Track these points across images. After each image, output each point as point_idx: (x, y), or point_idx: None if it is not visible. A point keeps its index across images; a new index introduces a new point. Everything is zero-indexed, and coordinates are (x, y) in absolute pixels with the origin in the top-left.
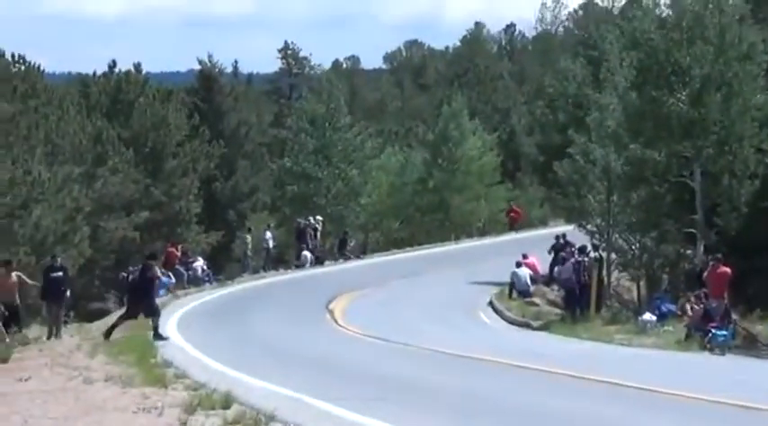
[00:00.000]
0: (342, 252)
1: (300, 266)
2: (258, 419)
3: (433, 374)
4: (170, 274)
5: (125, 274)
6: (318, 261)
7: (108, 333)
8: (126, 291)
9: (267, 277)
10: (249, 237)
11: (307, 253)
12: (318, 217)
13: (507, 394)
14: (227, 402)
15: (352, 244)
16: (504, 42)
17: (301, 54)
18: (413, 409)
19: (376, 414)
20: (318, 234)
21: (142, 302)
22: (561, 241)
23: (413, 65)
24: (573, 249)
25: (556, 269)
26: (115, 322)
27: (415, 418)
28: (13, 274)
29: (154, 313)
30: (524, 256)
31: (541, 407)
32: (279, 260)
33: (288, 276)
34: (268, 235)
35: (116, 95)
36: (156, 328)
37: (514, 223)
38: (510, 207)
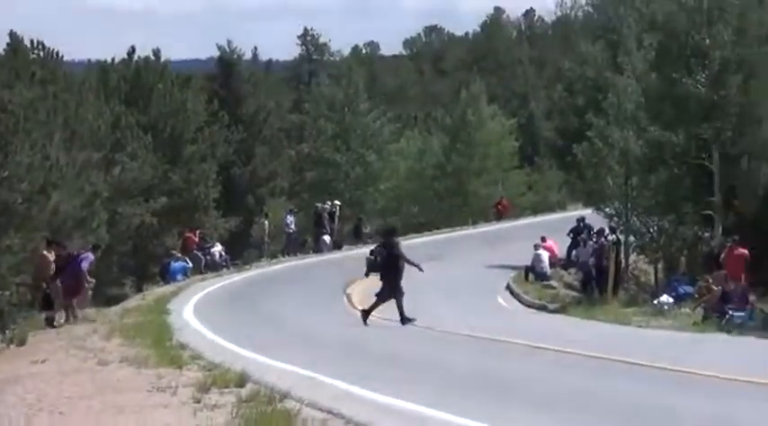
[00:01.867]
0: (358, 238)
1: (318, 251)
2: (273, 396)
3: (450, 354)
4: (187, 259)
5: (371, 256)
6: (336, 245)
7: (366, 315)
8: (379, 270)
9: (285, 261)
10: (267, 223)
11: (325, 238)
12: (336, 202)
13: (524, 373)
14: (241, 380)
15: (367, 230)
16: (523, 27)
17: (321, 40)
18: (430, 388)
19: (394, 394)
20: (337, 218)
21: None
22: (581, 224)
23: (432, 50)
24: (592, 232)
25: (574, 251)
26: (374, 304)
27: (434, 396)
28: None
29: (399, 293)
30: (543, 239)
31: (560, 386)
32: (300, 244)
33: (306, 261)
34: (289, 219)
35: (135, 81)
36: (401, 309)
37: (501, 216)
38: (499, 199)
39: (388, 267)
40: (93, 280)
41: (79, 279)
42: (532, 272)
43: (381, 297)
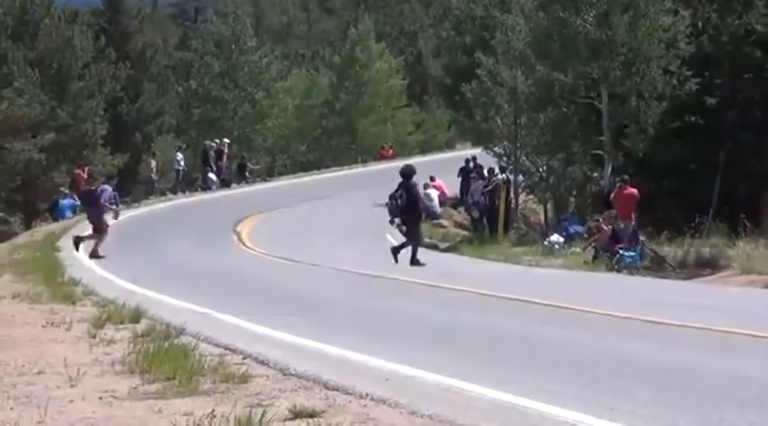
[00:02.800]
0: (242, 176)
1: (206, 189)
2: (168, 332)
3: (338, 291)
4: (75, 196)
5: (391, 201)
6: (225, 183)
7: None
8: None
9: (174, 199)
10: (154, 161)
11: (212, 176)
12: (225, 140)
13: (415, 310)
14: (136, 316)
15: (254, 167)
16: None
17: None
18: (320, 323)
19: (283, 328)
20: (225, 156)
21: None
22: (471, 164)
23: None
24: (483, 171)
25: (470, 190)
26: (407, 246)
27: (323, 332)
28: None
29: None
30: (432, 178)
31: (450, 322)
32: (189, 182)
33: (194, 198)
34: (179, 156)
35: (21, 16)
36: (414, 253)
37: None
38: (381, 146)
39: (411, 209)
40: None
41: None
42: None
43: (414, 239)
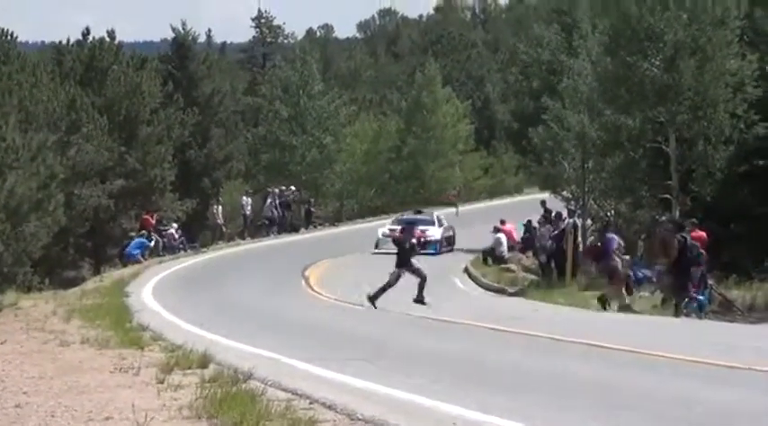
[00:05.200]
0: (309, 222)
1: (268, 234)
2: (236, 377)
3: (412, 337)
4: (145, 234)
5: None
6: (293, 228)
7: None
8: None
9: (242, 244)
10: (219, 207)
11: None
12: (292, 187)
13: (485, 354)
14: (204, 361)
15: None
16: (477, 10)
17: (275, 22)
18: (389, 369)
19: (353, 373)
20: (293, 204)
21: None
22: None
23: (386, 33)
24: (551, 215)
25: (539, 234)
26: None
27: (392, 377)
28: None
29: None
30: (502, 222)
31: (519, 365)
32: (257, 227)
33: (263, 244)
34: (245, 200)
35: (90, 62)
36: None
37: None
38: (448, 193)
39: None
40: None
41: None
42: (490, 255)
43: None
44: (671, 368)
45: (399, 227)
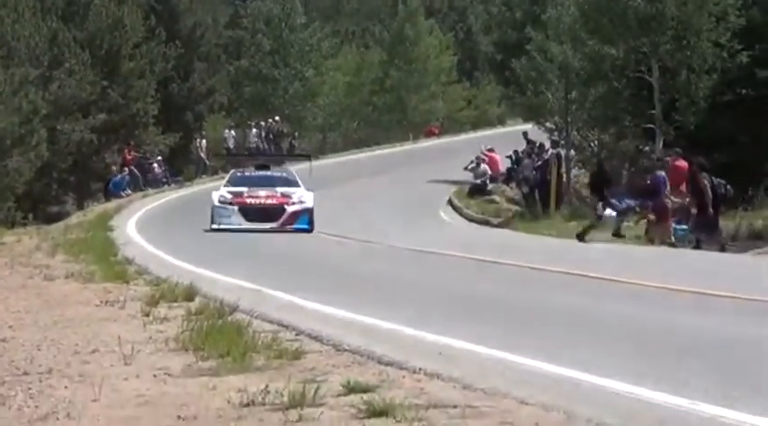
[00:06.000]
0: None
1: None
2: (222, 309)
3: (391, 268)
4: (127, 171)
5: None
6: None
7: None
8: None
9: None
10: (203, 142)
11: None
12: (277, 118)
13: (470, 285)
14: (189, 294)
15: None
16: None
17: None
18: (373, 299)
19: (336, 304)
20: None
21: None
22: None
23: None
24: (534, 147)
25: (521, 165)
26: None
27: (375, 308)
28: None
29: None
30: (491, 149)
31: (504, 296)
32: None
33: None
34: (227, 134)
35: None
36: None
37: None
38: (429, 126)
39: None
40: None
41: None
42: (480, 191)
43: None
44: (652, 296)
45: (246, 190)
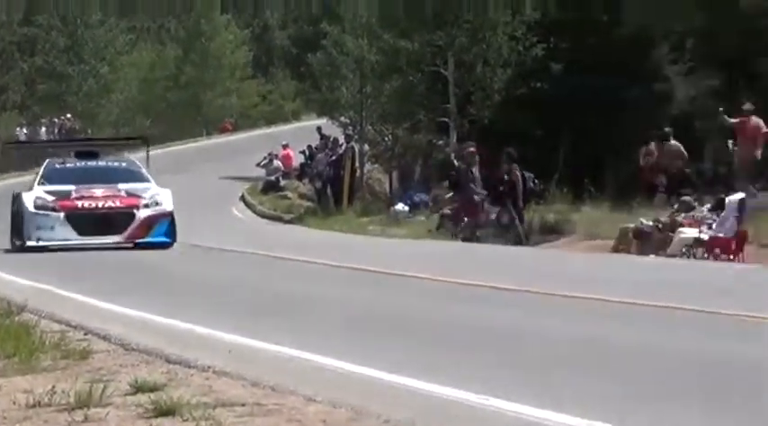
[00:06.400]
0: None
1: None
2: (9, 309)
3: (187, 265)
4: None
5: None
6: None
7: None
8: None
9: (22, 176)
10: None
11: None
12: (68, 115)
13: (259, 282)
14: None
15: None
16: None
17: None
18: (165, 298)
19: (129, 304)
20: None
21: None
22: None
23: None
24: (329, 141)
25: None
26: None
27: (166, 306)
28: None
29: None
30: (285, 146)
31: (294, 292)
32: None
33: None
34: (19, 132)
35: None
36: None
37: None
38: (224, 122)
39: None
40: None
41: None
42: (273, 188)
43: None
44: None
45: (73, 189)
